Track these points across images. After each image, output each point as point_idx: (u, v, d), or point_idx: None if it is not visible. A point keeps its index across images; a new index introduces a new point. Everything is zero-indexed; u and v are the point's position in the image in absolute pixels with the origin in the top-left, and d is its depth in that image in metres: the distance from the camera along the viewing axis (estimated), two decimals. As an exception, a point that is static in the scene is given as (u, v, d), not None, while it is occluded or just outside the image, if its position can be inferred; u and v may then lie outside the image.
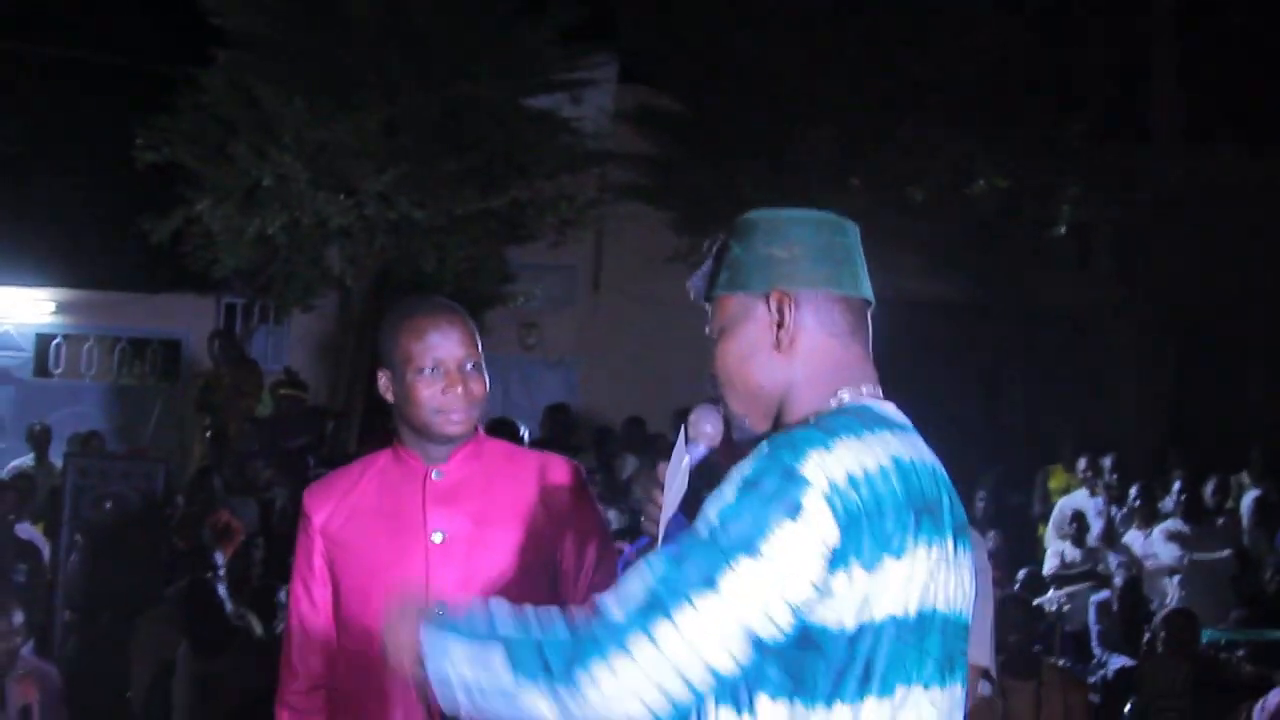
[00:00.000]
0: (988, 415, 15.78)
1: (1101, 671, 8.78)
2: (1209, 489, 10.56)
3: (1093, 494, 11.15)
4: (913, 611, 2.16)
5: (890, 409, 2.33)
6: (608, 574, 3.34)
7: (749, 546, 2.07)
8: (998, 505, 11.54)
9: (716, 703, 2.18)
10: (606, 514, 10.53)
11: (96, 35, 15.75)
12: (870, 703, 2.13)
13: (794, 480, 2.10)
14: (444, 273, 12.35)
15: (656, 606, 2.08)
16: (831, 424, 2.21)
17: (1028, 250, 14.15)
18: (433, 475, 3.27)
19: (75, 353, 15.72)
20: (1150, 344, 15.37)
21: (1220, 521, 10.46)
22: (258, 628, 7.47)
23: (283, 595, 7.21)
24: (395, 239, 11.97)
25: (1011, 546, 10.48)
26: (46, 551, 9.46)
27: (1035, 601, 8.46)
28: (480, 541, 3.23)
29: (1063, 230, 13.98)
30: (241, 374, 12.91)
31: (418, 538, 3.22)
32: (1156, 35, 15.19)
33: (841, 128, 13.18)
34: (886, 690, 2.14)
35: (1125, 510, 10.97)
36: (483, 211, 12.07)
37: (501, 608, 2.27)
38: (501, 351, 14.70)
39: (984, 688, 3.92)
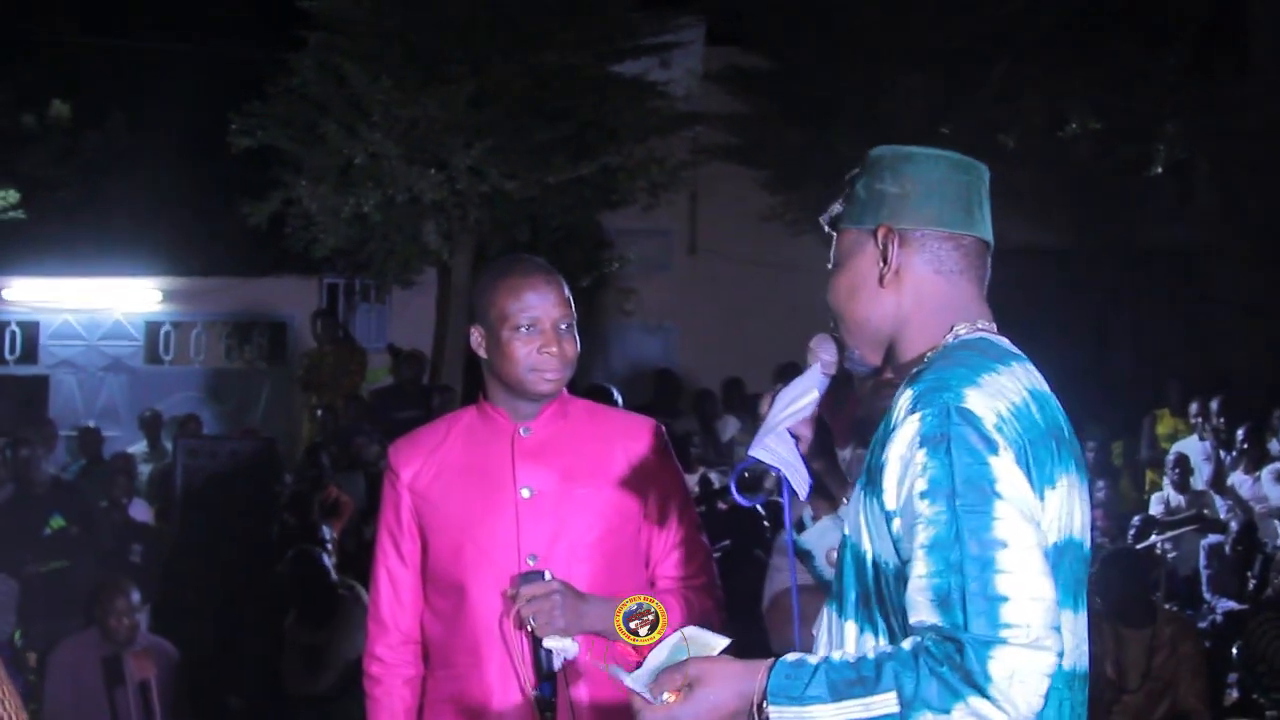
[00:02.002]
0: (1097, 362, 15.59)
1: (1211, 616, 8.68)
2: (1316, 429, 10.40)
3: (1201, 438, 11.01)
4: (1061, 539, 2.20)
5: (1006, 341, 2.36)
6: (688, 532, 3.39)
7: (991, 493, 2.07)
8: (1106, 456, 11.44)
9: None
10: (709, 475, 10.63)
11: (188, 25, 15.97)
12: None
13: (968, 417, 2.12)
14: (539, 242, 12.40)
15: (983, 595, 2.02)
16: (966, 359, 2.24)
17: (1127, 192, 13.95)
18: (520, 432, 3.31)
19: (184, 339, 15.99)
20: (1257, 282, 15.08)
21: (1331, 461, 10.30)
22: (365, 598, 7.58)
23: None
24: (489, 211, 12.03)
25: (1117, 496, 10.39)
26: (161, 531, 9.68)
27: (1138, 546, 8.39)
28: (567, 497, 3.27)
29: (1160, 170, 13.77)
30: (344, 352, 13.07)
31: (506, 493, 3.26)
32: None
33: (932, 75, 13.06)
34: None
35: (1234, 453, 10.82)
36: (575, 180, 12.08)
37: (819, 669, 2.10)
38: (600, 318, 14.77)
39: None
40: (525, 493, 3.26)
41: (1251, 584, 8.98)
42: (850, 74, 13.14)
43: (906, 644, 2.06)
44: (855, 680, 2.06)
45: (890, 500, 2.17)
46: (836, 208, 2.47)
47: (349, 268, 13.69)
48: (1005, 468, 2.10)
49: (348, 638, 6.89)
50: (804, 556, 2.66)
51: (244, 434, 12.54)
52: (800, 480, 2.51)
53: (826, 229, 2.49)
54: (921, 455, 2.13)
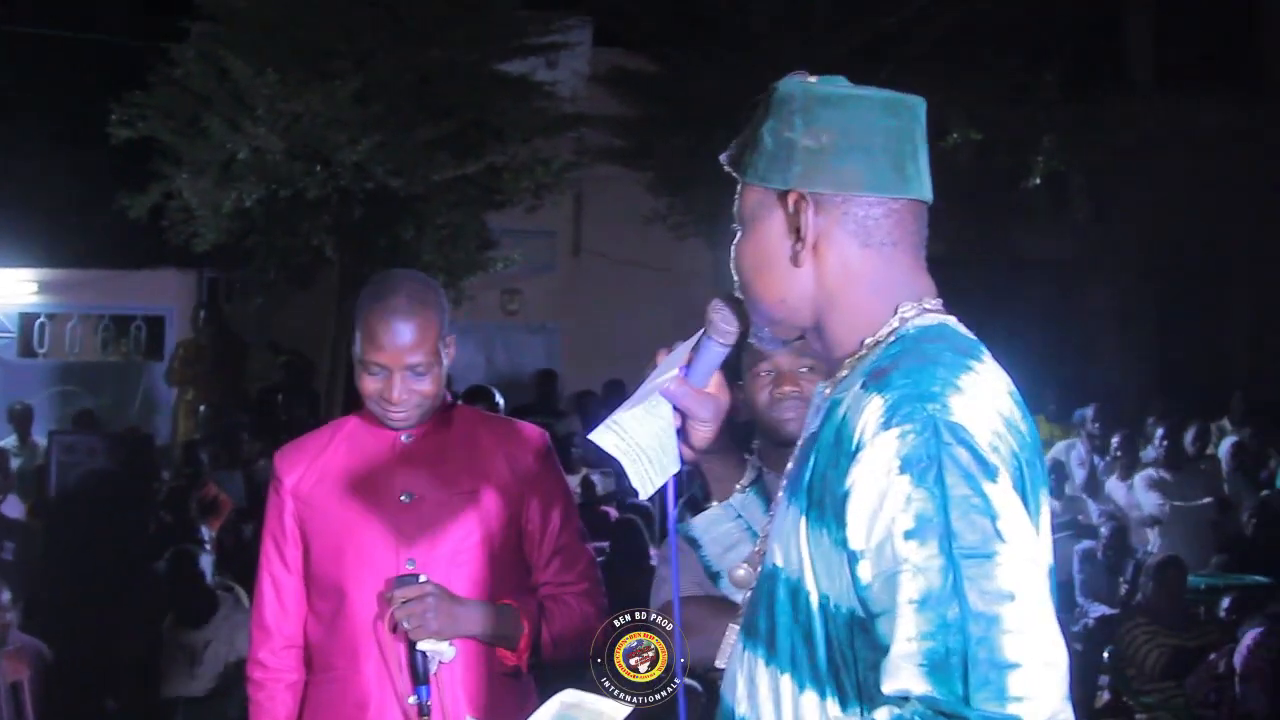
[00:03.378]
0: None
1: (1084, 620, 8.85)
2: (1189, 436, 10.62)
3: (1075, 444, 11.23)
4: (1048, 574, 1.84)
5: (962, 326, 1.99)
6: (570, 539, 3.42)
7: (993, 533, 1.71)
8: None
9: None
10: (591, 477, 10.64)
11: (69, 11, 15.69)
12: None
13: (960, 435, 1.75)
14: (423, 241, 12.35)
15: (990, 661, 1.67)
16: (936, 355, 1.86)
17: (1004, 203, 14.18)
18: (402, 438, 3.34)
19: (59, 332, 15.71)
20: (1130, 293, 15.41)
21: (1201, 468, 10.53)
22: (244, 599, 7.52)
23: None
24: (373, 208, 11.96)
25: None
26: (33, 528, 9.50)
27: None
28: (447, 502, 3.29)
29: (1038, 181, 14.01)
30: (223, 346, 12.95)
31: (386, 498, 3.29)
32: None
33: (815, 83, 13.15)
34: None
35: (1108, 460, 11.04)
36: (459, 178, 12.04)
37: None
38: (483, 318, 14.73)
39: None
40: (405, 498, 3.29)
41: (1124, 589, 9.19)
42: (733, 78, 13.22)
43: (882, 717, 1.72)
44: None
45: (857, 539, 1.77)
46: (740, 144, 2.06)
47: (229, 263, 13.54)
48: (1005, 497, 1.74)
49: (226, 638, 6.84)
50: (691, 544, 2.34)
51: (127, 431, 12.36)
52: (643, 473, 2.11)
53: (727, 168, 2.08)
54: (904, 484, 1.74)
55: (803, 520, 1.88)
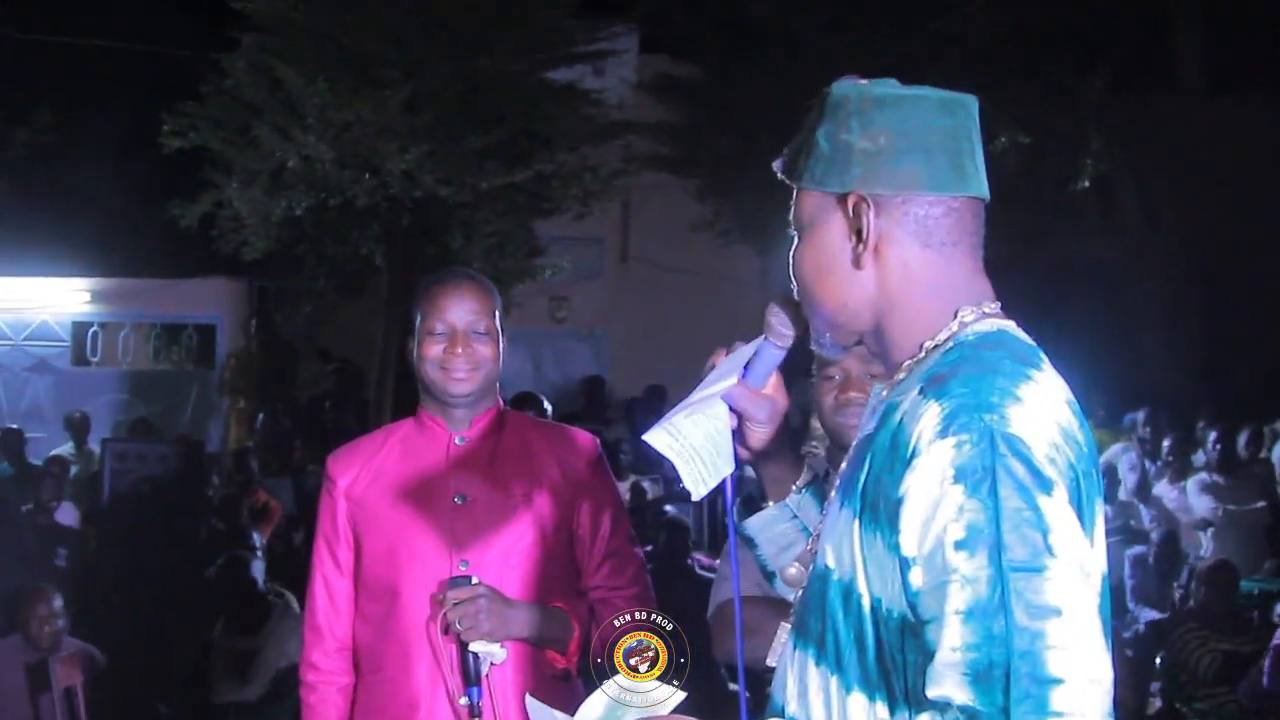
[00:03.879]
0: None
1: (1135, 626, 8.80)
2: (1242, 440, 10.52)
3: (1126, 449, 11.16)
4: (1103, 587, 1.84)
5: (1021, 331, 1.97)
6: (621, 543, 3.44)
7: (1044, 547, 1.70)
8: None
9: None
10: (641, 483, 10.66)
11: (121, 24, 15.82)
12: None
13: (1017, 447, 1.73)
14: (471, 249, 12.39)
15: (1032, 676, 1.67)
16: (996, 363, 1.84)
17: (1052, 206, 14.11)
18: (455, 440, 3.36)
19: (112, 340, 15.82)
20: (1179, 296, 15.31)
21: (1255, 472, 10.44)
22: (295, 605, 7.56)
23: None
24: (421, 217, 12.02)
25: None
26: (86, 535, 9.60)
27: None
28: (500, 505, 3.32)
29: (1086, 184, 13.94)
30: (274, 355, 13.03)
31: (440, 500, 3.31)
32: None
33: (864, 89, 13.13)
34: None
35: (1158, 465, 10.97)
36: (508, 186, 12.07)
37: None
38: (531, 325, 14.77)
39: None
40: (458, 499, 3.31)
41: (1177, 594, 9.12)
42: (780, 84, 13.21)
43: None
44: None
45: (909, 545, 1.77)
46: (795, 150, 2.05)
47: (279, 271, 13.63)
48: (1059, 511, 1.72)
49: (277, 645, 6.87)
50: (747, 544, 2.35)
51: (179, 439, 12.45)
52: (696, 473, 2.12)
53: (780, 175, 2.07)
54: (957, 494, 1.73)
55: (856, 523, 1.87)
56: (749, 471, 2.38)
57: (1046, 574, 1.69)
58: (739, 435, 2.21)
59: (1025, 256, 14.09)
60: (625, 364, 15.26)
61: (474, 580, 3.19)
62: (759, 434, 2.22)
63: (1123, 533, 9.74)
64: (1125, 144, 13.84)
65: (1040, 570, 1.69)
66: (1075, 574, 1.70)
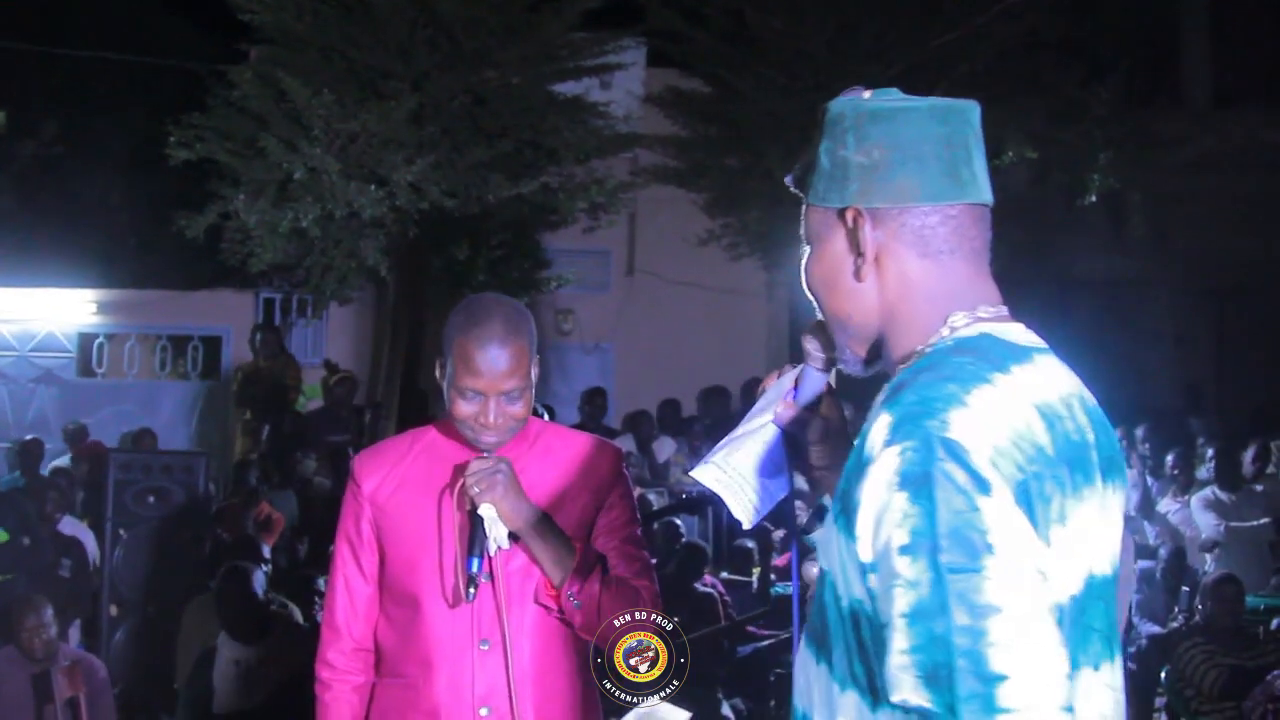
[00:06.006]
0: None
1: (1138, 641, 8.79)
2: (1248, 456, 10.51)
3: (1129, 465, 11.14)
4: (1080, 586, 1.86)
5: (1016, 332, 1.98)
6: (632, 543, 3.43)
7: (981, 547, 1.71)
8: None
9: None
10: (647, 496, 10.67)
11: (128, 35, 15.87)
12: None
13: (955, 451, 1.75)
14: (477, 260, 12.42)
15: (975, 674, 1.69)
16: (958, 369, 1.86)
17: (1060, 221, 14.11)
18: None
19: (117, 352, 15.82)
20: (1185, 311, 15.30)
21: (1259, 488, 10.42)
22: (297, 615, 7.55)
23: (321, 583, 7.29)
24: (428, 228, 12.03)
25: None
26: (91, 546, 9.59)
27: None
28: None
29: (1093, 199, 13.93)
30: (281, 367, 13.03)
31: (463, 511, 3.29)
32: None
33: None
34: None
35: (1161, 480, 10.95)
36: (514, 198, 12.09)
37: None
38: (537, 338, 14.76)
39: None
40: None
41: (1180, 611, 9.10)
42: (787, 98, 13.22)
43: None
44: None
45: (865, 551, 1.81)
46: (804, 165, 2.09)
47: (286, 282, 13.64)
48: (1000, 511, 1.73)
49: (279, 655, 6.86)
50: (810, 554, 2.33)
51: (184, 450, 12.44)
52: (745, 503, 2.19)
53: (793, 189, 2.13)
54: (901, 500, 1.75)
55: (835, 526, 1.91)
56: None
57: (985, 573, 1.70)
58: (797, 455, 2.29)
59: (1032, 270, 14.10)
60: (631, 377, 15.23)
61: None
62: (814, 452, 2.29)
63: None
64: (1133, 159, 13.82)
65: (979, 570, 1.70)
66: (1017, 572, 1.71)
